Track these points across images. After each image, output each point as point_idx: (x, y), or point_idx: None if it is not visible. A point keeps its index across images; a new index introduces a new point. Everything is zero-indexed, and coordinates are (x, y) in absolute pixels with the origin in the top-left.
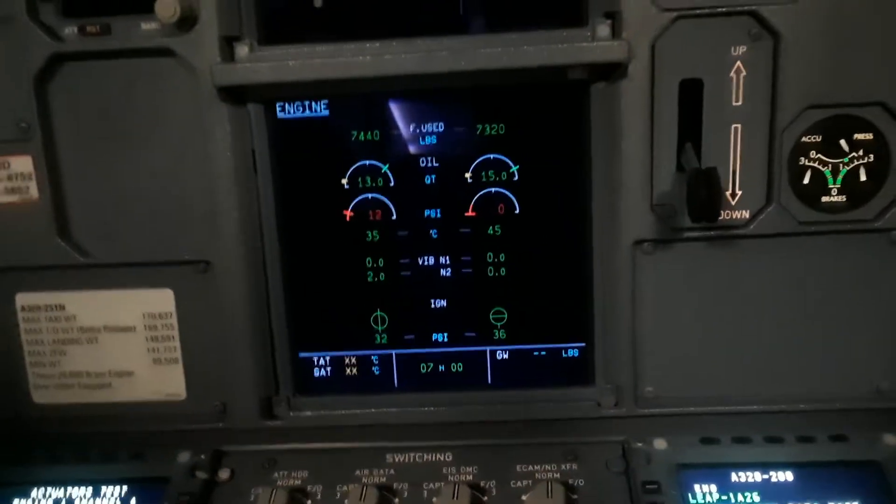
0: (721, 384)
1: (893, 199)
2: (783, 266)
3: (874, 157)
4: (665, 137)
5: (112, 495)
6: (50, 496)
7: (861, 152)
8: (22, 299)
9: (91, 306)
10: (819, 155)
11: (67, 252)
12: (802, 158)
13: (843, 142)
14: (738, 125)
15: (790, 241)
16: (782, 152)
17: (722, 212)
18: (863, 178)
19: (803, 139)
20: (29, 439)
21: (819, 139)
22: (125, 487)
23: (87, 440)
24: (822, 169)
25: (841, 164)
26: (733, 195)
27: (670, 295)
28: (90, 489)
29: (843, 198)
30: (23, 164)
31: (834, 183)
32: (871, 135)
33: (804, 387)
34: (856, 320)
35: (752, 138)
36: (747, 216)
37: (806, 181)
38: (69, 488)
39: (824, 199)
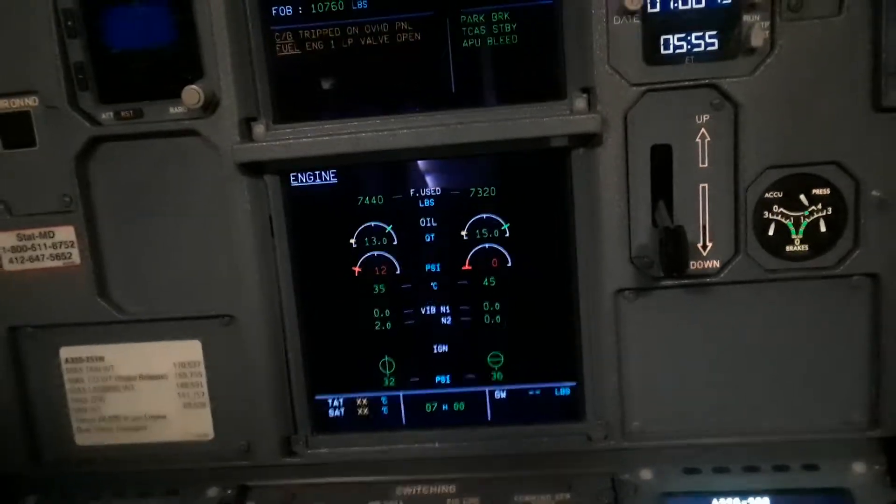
0: (702, 418)
1: (851, 248)
2: (753, 310)
3: (832, 210)
4: (640, 196)
5: None
6: None
7: (820, 206)
8: (66, 352)
9: (127, 357)
10: (781, 209)
11: (106, 310)
12: (766, 212)
13: (802, 197)
14: (706, 184)
15: (758, 287)
16: (747, 207)
17: (694, 262)
18: (823, 228)
19: (766, 195)
20: (73, 478)
21: (780, 195)
22: None
23: (125, 478)
24: (785, 221)
25: (802, 217)
26: (704, 247)
27: (652, 337)
28: None
29: (805, 247)
30: (66, 233)
31: (796, 234)
32: (828, 190)
33: (778, 419)
34: (823, 358)
35: (718, 195)
36: (718, 265)
37: (770, 233)
38: None
39: (788, 248)
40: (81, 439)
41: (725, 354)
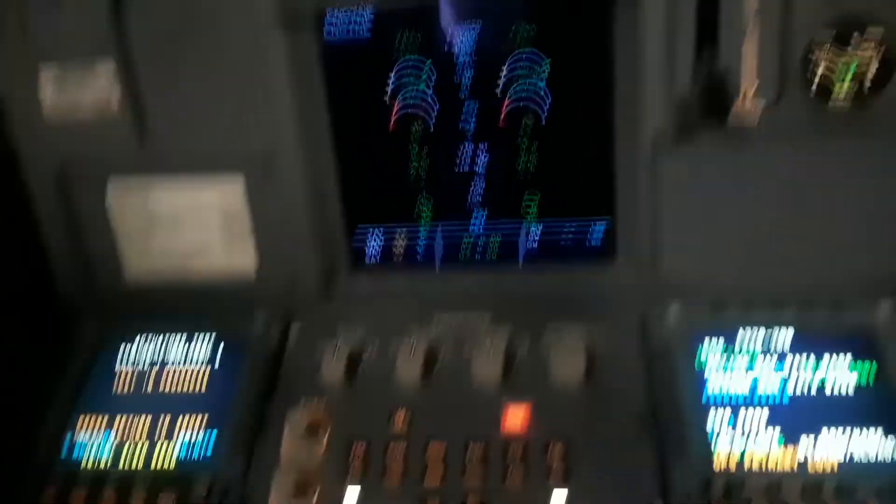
0: (733, 260)
1: None
2: (792, 159)
3: (882, 61)
4: (684, 36)
5: (201, 350)
6: (147, 355)
7: (870, 54)
8: (112, 187)
9: (172, 192)
10: (831, 54)
11: (151, 146)
12: (813, 58)
13: (853, 44)
14: (754, 23)
15: (799, 136)
16: (795, 50)
17: (735, 108)
18: (870, 79)
19: (816, 38)
20: (124, 308)
21: (830, 40)
22: (211, 345)
23: (173, 309)
24: (832, 70)
25: (850, 66)
26: (746, 92)
27: (688, 182)
28: (183, 345)
29: (850, 98)
30: (106, 73)
31: (843, 81)
32: (881, 37)
33: (808, 261)
34: (857, 209)
35: (766, 37)
36: (759, 112)
37: (816, 81)
38: (164, 347)
39: (834, 97)
40: (130, 271)
41: (760, 201)
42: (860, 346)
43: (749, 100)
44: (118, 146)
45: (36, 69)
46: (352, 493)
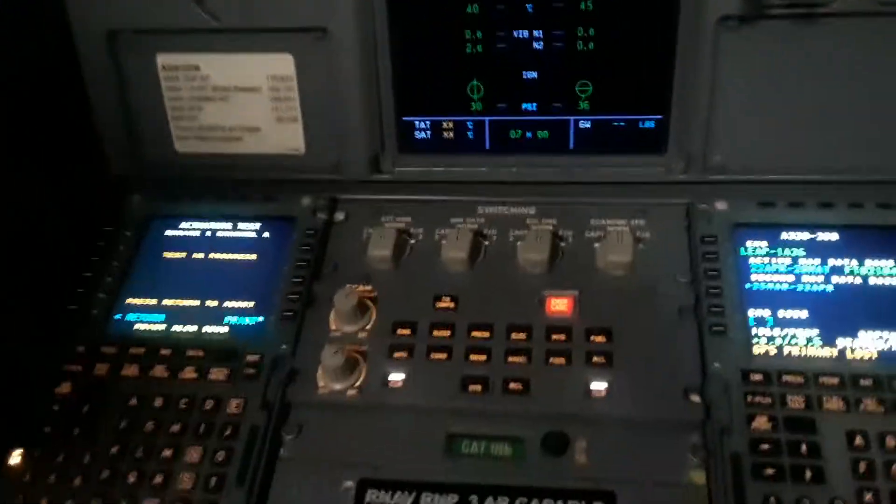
0: (785, 156)
1: None
2: (861, 46)
3: None
4: None
5: (249, 229)
6: (197, 228)
7: None
8: (162, 59)
9: (222, 68)
10: None
11: (201, 17)
12: None
13: None
14: None
15: (869, 21)
16: None
17: None
18: None
19: None
20: (174, 183)
21: None
22: (259, 223)
23: (223, 185)
24: None
25: None
26: None
27: (749, 71)
28: (230, 223)
29: None
30: None
31: None
32: None
33: (861, 162)
34: None
35: None
36: None
37: None
38: (213, 223)
39: None
40: (181, 146)
41: (821, 92)
42: None
43: None
44: (169, 19)
45: None
46: (396, 373)
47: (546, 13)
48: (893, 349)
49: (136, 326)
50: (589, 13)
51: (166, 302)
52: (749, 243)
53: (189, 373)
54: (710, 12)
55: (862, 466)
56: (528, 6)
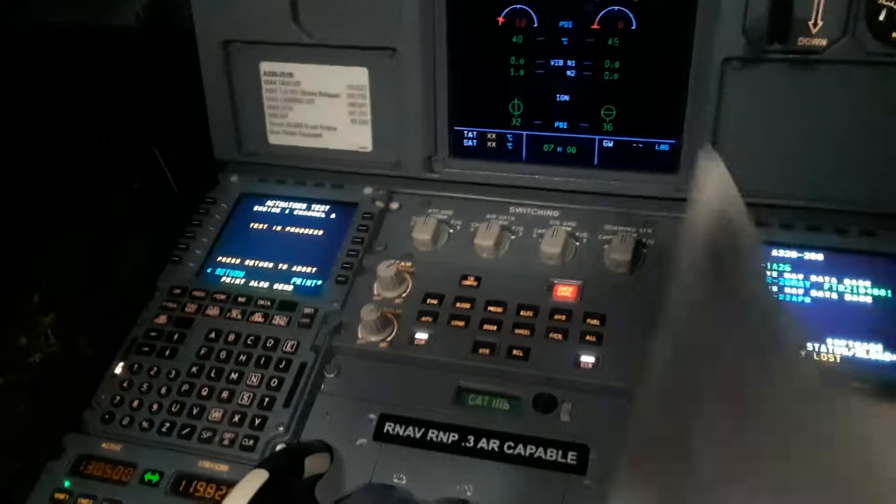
0: (781, 183)
1: None
2: (851, 90)
3: None
4: None
5: (319, 210)
6: (279, 206)
7: None
8: (264, 66)
9: (311, 76)
10: None
11: (298, 33)
12: None
13: None
14: None
15: (858, 69)
16: None
17: (802, 38)
18: None
19: None
20: (265, 168)
21: None
22: (328, 206)
23: (304, 172)
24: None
25: None
26: (815, 24)
27: (751, 106)
28: (305, 204)
29: None
30: None
31: None
32: None
33: (848, 192)
34: None
35: None
36: (824, 44)
37: (881, 17)
38: (291, 203)
39: (894, 35)
40: (273, 138)
41: (812, 128)
42: (884, 277)
43: (817, 29)
44: (272, 34)
45: None
46: (421, 333)
47: (579, 46)
48: (856, 356)
49: (222, 279)
50: (615, 48)
51: (248, 262)
52: None
53: (257, 317)
54: (717, 53)
55: None
56: (564, 39)
